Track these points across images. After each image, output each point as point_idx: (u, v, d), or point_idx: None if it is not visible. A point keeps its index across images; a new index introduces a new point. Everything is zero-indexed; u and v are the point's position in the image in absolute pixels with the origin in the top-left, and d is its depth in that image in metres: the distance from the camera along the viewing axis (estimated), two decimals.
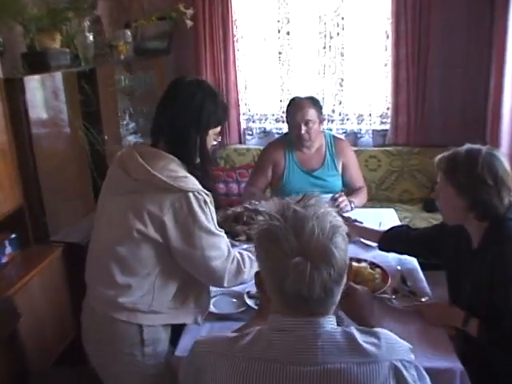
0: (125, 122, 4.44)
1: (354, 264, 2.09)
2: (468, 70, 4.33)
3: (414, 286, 2.04)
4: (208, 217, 1.75)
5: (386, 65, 4.40)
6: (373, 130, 4.59)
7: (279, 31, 4.49)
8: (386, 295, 1.96)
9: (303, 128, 2.99)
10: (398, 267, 2.24)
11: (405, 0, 4.12)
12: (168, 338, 1.91)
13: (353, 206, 2.95)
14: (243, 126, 4.77)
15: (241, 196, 3.70)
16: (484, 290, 1.77)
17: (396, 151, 4.40)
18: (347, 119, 4.62)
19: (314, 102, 3.05)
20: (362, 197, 3.14)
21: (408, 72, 4.29)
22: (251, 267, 1.88)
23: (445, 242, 2.03)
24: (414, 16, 4.15)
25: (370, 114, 4.55)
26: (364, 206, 4.01)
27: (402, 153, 4.39)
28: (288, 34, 4.47)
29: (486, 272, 1.77)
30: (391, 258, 2.35)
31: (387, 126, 4.55)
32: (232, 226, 2.48)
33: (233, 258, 1.85)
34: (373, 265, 2.18)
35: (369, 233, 2.45)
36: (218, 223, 1.84)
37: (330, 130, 4.38)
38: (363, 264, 2.12)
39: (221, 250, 1.80)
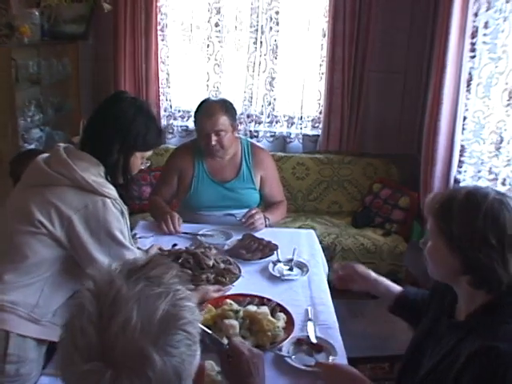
0: (30, 114, 3.94)
1: (252, 309, 1.75)
2: (407, 76, 4.09)
3: (322, 340, 1.71)
4: (122, 228, 1.72)
5: (320, 65, 4.10)
6: (303, 135, 4.29)
7: (208, 21, 4.10)
8: (284, 353, 1.62)
9: (214, 138, 2.61)
10: (309, 308, 1.92)
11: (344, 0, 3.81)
12: (39, 362, 1.65)
13: (267, 223, 2.61)
14: (164, 122, 4.36)
15: None
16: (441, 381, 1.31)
17: (326, 159, 4.11)
18: (276, 122, 4.30)
19: (227, 108, 2.65)
20: (279, 213, 2.81)
21: (344, 74, 4.00)
22: None
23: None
24: (353, 15, 3.86)
25: (302, 118, 4.25)
26: (284, 222, 3.77)
27: (333, 161, 4.11)
28: (216, 25, 4.08)
29: (457, 359, 1.27)
30: (301, 294, 2.03)
31: (319, 132, 4.25)
32: None
33: None
34: (278, 306, 1.84)
35: (379, 288, 1.85)
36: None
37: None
38: (264, 308, 1.77)
39: None
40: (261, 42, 4.06)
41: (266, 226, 2.59)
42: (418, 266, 2.47)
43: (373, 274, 1.85)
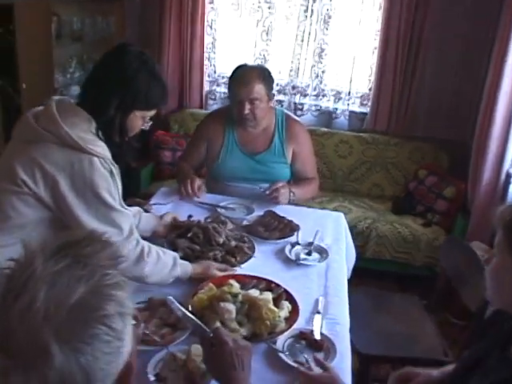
0: (71, 70, 3.88)
1: (253, 293, 1.60)
2: (466, 57, 3.76)
3: (326, 338, 1.55)
4: (110, 188, 1.61)
5: (374, 39, 3.82)
6: (350, 112, 4.05)
7: None
8: (278, 346, 1.47)
9: (247, 107, 2.45)
10: (320, 299, 1.75)
11: None
12: None
13: (292, 198, 2.45)
14: (206, 88, 4.23)
15: None
16: None
17: (371, 139, 3.87)
18: (323, 95, 4.08)
19: (264, 75, 2.47)
20: (307, 189, 2.63)
21: (397, 50, 3.73)
22: (157, 263, 1.70)
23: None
24: None
25: (350, 93, 4.01)
26: (321, 201, 3.59)
27: (379, 142, 3.87)
28: None
29: None
30: (315, 282, 1.86)
31: (367, 109, 4.00)
32: (173, 238, 1.99)
33: (136, 243, 1.67)
34: (285, 293, 1.69)
35: None
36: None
37: (282, 105, 3.91)
38: (267, 294, 1.62)
39: (118, 227, 1.62)
40: (312, 11, 3.83)
41: (289, 202, 2.43)
42: (453, 263, 2.25)
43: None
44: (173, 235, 2.03)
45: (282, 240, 2.13)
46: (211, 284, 1.70)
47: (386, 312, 2.35)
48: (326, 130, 3.95)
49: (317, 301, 1.74)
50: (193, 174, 2.57)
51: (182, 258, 1.90)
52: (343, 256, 2.12)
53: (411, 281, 3.42)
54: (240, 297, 1.59)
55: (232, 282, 1.70)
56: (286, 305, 1.62)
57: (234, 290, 1.60)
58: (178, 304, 1.37)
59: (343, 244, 2.23)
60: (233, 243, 1.95)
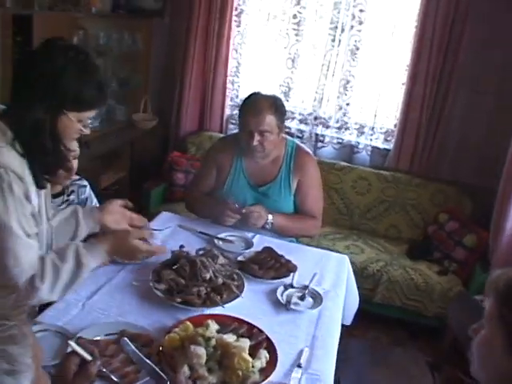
0: None
1: (228, 339, 1.47)
2: (500, 98, 3.59)
3: None
4: (8, 205, 1.39)
5: (402, 74, 3.70)
6: (372, 147, 3.91)
7: (285, 13, 3.83)
8: None
9: (256, 138, 2.34)
10: (305, 350, 1.61)
11: (437, 4, 3.38)
12: None
13: (268, 225, 2.34)
14: (227, 112, 4.16)
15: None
16: None
17: (392, 177, 3.71)
18: (346, 128, 3.95)
19: (276, 106, 2.37)
20: (298, 225, 2.47)
21: (426, 87, 3.59)
22: (56, 279, 1.52)
23: None
24: (444, 23, 3.44)
25: (373, 128, 3.87)
26: (333, 238, 3.44)
27: (400, 181, 3.70)
28: (295, 17, 3.80)
29: None
30: (304, 331, 1.71)
31: (390, 146, 3.85)
32: (160, 268, 1.90)
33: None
34: (266, 341, 1.55)
35: None
36: None
37: (303, 135, 3.85)
38: (244, 341, 1.48)
39: (18, 258, 1.42)
40: (339, 41, 3.73)
41: (263, 227, 2.34)
42: (461, 321, 2.07)
43: None
44: (159, 265, 1.92)
45: (276, 280, 1.99)
46: (188, 322, 1.57)
47: (384, 366, 2.18)
48: (345, 164, 3.81)
49: (301, 352, 1.60)
50: (214, 198, 2.51)
51: (165, 290, 1.79)
52: (340, 304, 1.96)
53: (421, 330, 3.22)
54: (213, 341, 1.45)
55: (210, 322, 1.57)
56: (264, 354, 1.48)
57: (209, 332, 1.47)
58: (133, 347, 1.24)
59: (342, 290, 2.08)
60: (220, 280, 1.81)
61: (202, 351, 1.40)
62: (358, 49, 3.72)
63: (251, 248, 2.24)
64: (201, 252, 2.02)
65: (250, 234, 2.37)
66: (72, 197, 2.27)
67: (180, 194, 3.67)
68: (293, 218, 2.47)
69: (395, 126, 3.81)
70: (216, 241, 2.26)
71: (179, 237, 2.30)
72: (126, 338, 1.31)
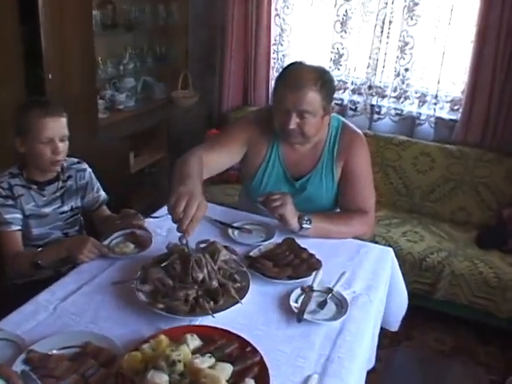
0: (124, 61, 3.59)
1: (201, 364, 1.12)
2: None
3: None
4: None
5: (469, 31, 3.15)
6: (436, 118, 3.39)
7: None
8: None
9: (293, 120, 1.86)
10: (315, 377, 1.23)
11: None
12: None
13: (305, 225, 1.83)
14: (273, 84, 3.72)
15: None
16: None
17: (460, 153, 3.18)
18: (405, 98, 3.45)
19: (323, 82, 1.85)
20: (345, 226, 1.93)
21: (498, 45, 3.04)
22: None
23: None
24: None
25: (437, 96, 3.35)
26: (388, 223, 2.99)
27: (469, 156, 3.17)
28: None
29: None
30: (316, 350, 1.33)
31: (457, 116, 3.32)
32: (149, 264, 1.57)
33: None
34: (257, 366, 1.18)
35: None
36: None
37: (356, 107, 3.42)
38: (223, 367, 1.12)
39: None
40: None
41: (300, 230, 1.85)
42: None
43: None
44: (149, 261, 1.59)
45: (294, 281, 1.60)
46: (162, 336, 1.23)
47: None
48: (404, 138, 3.32)
49: (307, 379, 1.21)
50: (194, 179, 1.63)
51: (150, 292, 1.47)
52: (373, 313, 1.55)
53: (494, 333, 2.72)
54: (180, 366, 1.10)
55: (190, 337, 1.22)
56: None
57: (175, 355, 1.12)
58: (34, 376, 0.91)
59: (380, 293, 1.66)
60: (213, 283, 1.46)
61: (162, 379, 1.07)
62: (416, 4, 3.20)
63: (271, 239, 1.86)
64: (202, 245, 1.67)
65: (274, 221, 1.98)
66: (69, 182, 2.00)
67: (218, 176, 3.33)
68: (338, 219, 1.97)
69: (462, 92, 3.28)
70: (230, 230, 1.90)
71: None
72: (27, 370, 0.97)
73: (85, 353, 1.24)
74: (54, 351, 1.25)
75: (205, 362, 1.12)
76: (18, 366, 1.18)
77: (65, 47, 2.78)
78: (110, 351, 1.24)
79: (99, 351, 1.24)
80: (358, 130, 2.09)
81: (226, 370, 1.12)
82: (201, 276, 1.46)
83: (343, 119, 2.11)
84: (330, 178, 2.04)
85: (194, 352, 1.18)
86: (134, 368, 1.14)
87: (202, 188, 1.62)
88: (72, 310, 1.45)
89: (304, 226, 1.83)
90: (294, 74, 1.89)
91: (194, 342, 1.22)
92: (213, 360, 1.14)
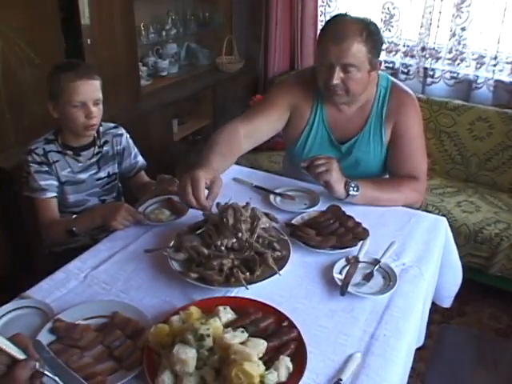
0: (167, 27, 3.50)
1: (232, 338, 1.03)
2: None
3: None
4: None
5: None
6: (496, 81, 3.14)
7: None
8: None
9: (337, 74, 1.73)
10: (357, 356, 1.12)
11: None
12: None
13: (353, 192, 1.70)
14: None
15: None
16: None
17: None
18: (461, 60, 3.22)
19: (369, 33, 1.71)
20: (396, 193, 1.80)
21: None
22: None
23: None
24: None
25: (497, 57, 3.10)
26: (442, 192, 2.82)
27: None
28: None
29: None
30: (361, 326, 1.22)
31: None
32: (184, 232, 1.51)
33: None
34: (295, 342, 1.09)
35: None
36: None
37: (409, 70, 3.19)
38: (255, 343, 1.03)
39: None
40: None
41: (347, 197, 1.72)
42: None
43: None
44: (184, 229, 1.51)
45: (338, 251, 1.49)
46: (193, 308, 1.15)
47: (492, 368, 1.60)
48: (460, 102, 3.10)
49: (349, 359, 1.11)
50: (215, 156, 1.63)
51: (184, 261, 1.39)
52: (423, 287, 1.41)
53: None
54: (209, 341, 1.02)
55: (222, 309, 1.14)
56: (285, 363, 1.02)
57: (203, 329, 1.03)
58: (52, 354, 0.84)
59: (432, 266, 1.52)
60: (252, 251, 1.36)
61: (189, 355, 0.98)
62: None
63: (315, 207, 1.74)
64: (240, 214, 1.57)
65: (320, 188, 1.86)
66: (106, 148, 1.94)
67: (264, 144, 3.21)
68: (387, 185, 1.83)
69: None
70: (272, 197, 1.80)
71: (230, 192, 1.85)
72: (40, 340, 0.91)
73: (112, 323, 1.18)
74: (81, 321, 1.19)
75: (236, 337, 1.03)
76: (44, 335, 1.14)
77: (102, 13, 2.71)
78: (137, 322, 1.17)
79: (127, 322, 1.17)
80: (410, 90, 1.94)
81: (259, 346, 1.02)
82: (230, 242, 1.37)
83: (393, 79, 1.95)
84: (378, 141, 1.90)
85: (226, 326, 1.10)
86: (161, 341, 1.06)
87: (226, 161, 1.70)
88: (103, 279, 1.39)
89: (351, 192, 1.70)
90: (338, 25, 1.75)
91: (226, 314, 1.14)
92: (245, 335, 1.05)
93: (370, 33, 1.72)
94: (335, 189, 1.69)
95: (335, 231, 1.55)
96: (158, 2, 3.41)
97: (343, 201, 1.73)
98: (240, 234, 1.38)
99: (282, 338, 1.09)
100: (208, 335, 1.02)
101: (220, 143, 1.73)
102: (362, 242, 1.52)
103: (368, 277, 1.38)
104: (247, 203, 1.54)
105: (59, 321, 1.18)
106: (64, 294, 1.33)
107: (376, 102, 1.89)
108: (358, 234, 1.55)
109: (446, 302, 1.83)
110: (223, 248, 1.36)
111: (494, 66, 3.11)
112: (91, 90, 1.75)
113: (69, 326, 1.15)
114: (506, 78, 3.13)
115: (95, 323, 1.20)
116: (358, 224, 1.59)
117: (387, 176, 1.97)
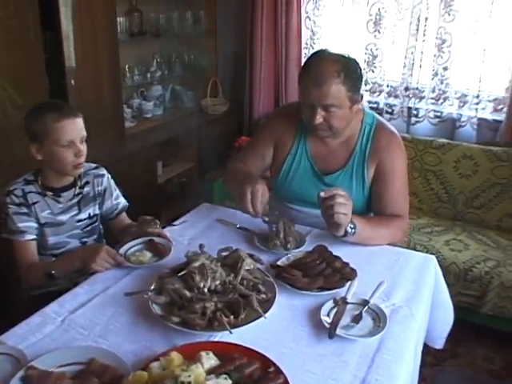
0: (152, 69, 3.52)
1: None
2: None
3: None
4: None
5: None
6: (479, 119, 3.18)
7: None
8: None
9: (319, 114, 1.76)
10: None
11: None
12: None
13: (350, 230, 1.66)
14: None
15: None
16: None
17: (506, 155, 2.95)
18: (444, 99, 3.26)
19: (347, 72, 1.73)
20: (385, 229, 1.80)
21: None
22: None
23: None
24: None
25: (479, 96, 3.15)
26: (430, 231, 2.80)
27: None
28: None
29: None
30: (351, 370, 1.16)
31: (502, 117, 3.11)
32: (166, 274, 1.46)
33: None
34: None
35: None
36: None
37: (393, 110, 3.25)
38: None
39: None
40: None
41: (345, 235, 1.68)
42: None
43: None
44: (166, 271, 1.46)
45: (326, 292, 1.45)
46: (175, 354, 1.09)
47: None
48: (444, 140, 3.12)
49: None
50: (252, 176, 1.87)
51: (165, 304, 1.33)
52: (415, 328, 1.36)
53: None
54: None
55: (204, 354, 1.08)
56: None
57: (184, 376, 0.97)
58: None
59: (423, 306, 1.48)
60: (234, 294, 1.31)
61: None
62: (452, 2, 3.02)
63: (301, 247, 1.70)
64: (224, 253, 1.53)
65: (305, 229, 1.84)
66: (86, 189, 1.89)
67: None
68: (377, 222, 1.83)
69: (507, 90, 3.06)
70: (256, 238, 1.76)
71: (214, 233, 1.85)
72: None
73: (88, 370, 1.12)
74: (55, 368, 1.12)
75: None
76: None
77: (88, 54, 2.72)
78: (115, 370, 1.11)
79: (104, 369, 1.11)
80: (395, 130, 1.96)
81: None
82: (212, 284, 1.33)
83: (379, 117, 1.98)
84: (360, 178, 1.90)
85: (208, 372, 1.04)
86: None
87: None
88: (81, 323, 1.33)
89: (349, 230, 1.66)
90: (316, 66, 1.77)
91: (209, 360, 1.08)
92: (229, 382, 1.00)
93: (348, 71, 1.74)
94: (340, 228, 1.65)
95: (322, 272, 1.51)
96: (143, 44, 3.44)
97: (333, 240, 1.70)
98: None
99: (269, 383, 1.03)
100: (189, 382, 0.96)
101: (243, 169, 1.99)
102: (349, 282, 1.48)
103: (357, 318, 1.33)
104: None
105: (32, 368, 1.11)
106: (39, 340, 1.27)
107: (360, 138, 1.91)
108: (345, 274, 1.51)
109: (438, 343, 1.78)
110: (206, 290, 1.31)
111: (477, 104, 3.15)
112: (77, 128, 1.73)
113: (42, 374, 1.09)
114: (488, 116, 3.17)
115: (71, 370, 1.13)
116: (346, 264, 1.55)
117: (371, 214, 1.95)
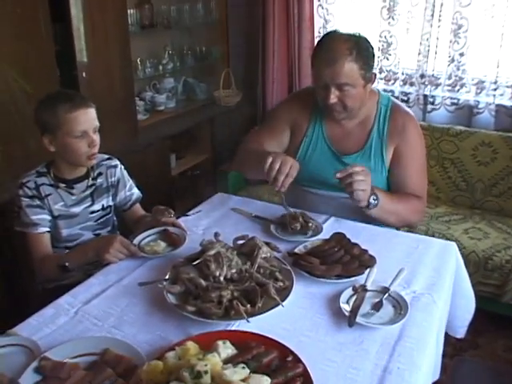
0: (164, 61, 3.49)
1: (232, 375, 0.94)
2: None
3: None
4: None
5: None
6: (497, 106, 3.09)
7: None
8: None
9: (333, 94, 1.76)
10: None
11: None
12: None
13: (373, 201, 1.68)
14: None
15: None
16: None
17: None
18: (461, 86, 3.18)
19: (358, 50, 1.72)
20: (401, 205, 1.81)
21: None
22: None
23: None
24: None
25: (497, 82, 3.06)
26: (448, 219, 2.74)
27: None
28: None
29: None
30: (372, 359, 1.13)
31: None
32: (181, 263, 1.43)
33: None
34: (301, 378, 0.99)
35: None
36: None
37: (408, 98, 3.15)
38: (257, 381, 0.94)
39: None
40: None
41: (367, 206, 1.68)
42: None
43: None
44: (181, 260, 1.43)
45: (344, 280, 1.41)
46: (190, 343, 1.06)
47: None
48: (462, 128, 3.05)
49: None
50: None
51: (180, 293, 1.31)
52: (437, 315, 1.32)
53: None
54: (207, 378, 0.93)
55: (221, 344, 1.05)
56: None
57: (201, 365, 0.94)
58: None
59: (444, 293, 1.44)
60: (251, 282, 1.28)
61: None
62: None
63: (318, 235, 1.67)
64: (239, 242, 1.50)
65: (321, 217, 1.81)
66: (99, 180, 1.87)
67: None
68: (398, 198, 1.82)
69: None
70: (272, 226, 1.73)
71: (229, 222, 1.82)
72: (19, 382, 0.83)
73: (102, 361, 1.10)
74: (69, 359, 1.10)
75: (237, 374, 0.94)
76: (29, 375, 1.05)
77: (99, 47, 2.69)
78: (130, 360, 1.08)
79: (118, 360, 1.09)
80: (410, 111, 1.98)
81: (262, 383, 0.94)
82: (223, 273, 1.30)
83: (393, 99, 1.99)
84: (379, 159, 1.89)
85: (225, 361, 1.01)
86: (155, 380, 0.98)
87: None
88: (94, 314, 1.31)
89: (371, 201, 1.67)
90: (328, 46, 1.78)
91: (226, 349, 1.05)
92: (247, 371, 0.97)
93: (359, 49, 1.75)
94: (362, 197, 1.65)
95: (340, 259, 1.48)
96: (155, 36, 3.41)
97: (351, 228, 1.67)
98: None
99: (287, 373, 1.00)
100: (206, 372, 0.93)
101: (257, 148, 1.93)
102: (369, 269, 1.44)
103: (377, 306, 1.30)
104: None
105: (45, 359, 1.09)
106: (53, 331, 1.25)
107: (377, 118, 1.91)
108: (364, 261, 1.47)
109: (460, 332, 1.74)
110: (222, 279, 1.28)
111: (495, 90, 3.07)
112: (90, 118, 1.71)
113: (56, 365, 1.07)
114: (507, 103, 3.09)
115: (84, 361, 1.11)
116: (364, 251, 1.51)
117: None
